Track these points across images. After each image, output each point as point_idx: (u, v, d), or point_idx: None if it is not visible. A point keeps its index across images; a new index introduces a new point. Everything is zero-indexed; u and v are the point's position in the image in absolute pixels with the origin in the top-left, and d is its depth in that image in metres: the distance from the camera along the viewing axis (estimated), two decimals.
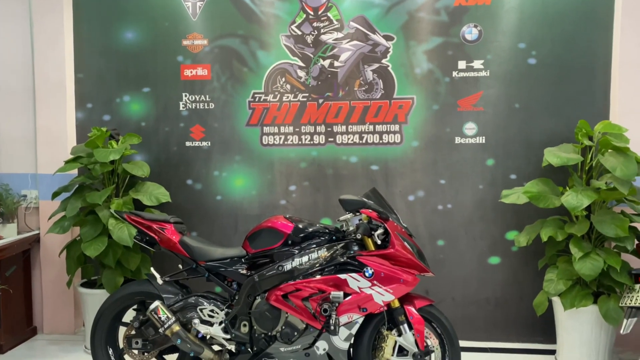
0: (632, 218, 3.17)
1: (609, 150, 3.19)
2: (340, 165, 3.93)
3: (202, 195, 4.03)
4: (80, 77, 4.05)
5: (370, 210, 2.80)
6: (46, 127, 3.98)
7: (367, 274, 2.72)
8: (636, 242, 3.24)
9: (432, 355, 2.83)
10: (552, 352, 3.61)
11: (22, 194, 4.05)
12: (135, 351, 2.96)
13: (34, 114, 4.01)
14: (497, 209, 3.82)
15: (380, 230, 2.79)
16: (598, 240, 3.38)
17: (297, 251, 2.83)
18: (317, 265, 2.76)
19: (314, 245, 2.84)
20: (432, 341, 2.83)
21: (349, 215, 2.89)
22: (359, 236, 2.77)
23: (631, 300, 3.00)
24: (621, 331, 2.97)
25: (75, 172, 3.92)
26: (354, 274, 2.73)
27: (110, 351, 3.02)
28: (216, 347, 2.93)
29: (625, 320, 2.96)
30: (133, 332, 2.95)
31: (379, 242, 2.78)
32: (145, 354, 2.97)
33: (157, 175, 4.01)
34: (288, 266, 2.79)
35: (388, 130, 3.88)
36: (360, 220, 2.88)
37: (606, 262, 3.10)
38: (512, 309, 3.85)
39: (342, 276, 2.72)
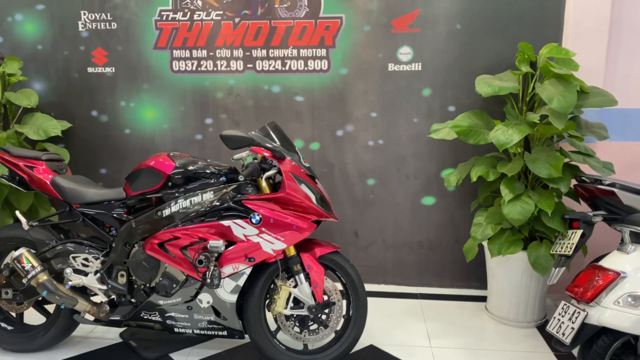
0: (569, 156, 2.80)
1: (551, 79, 2.77)
2: (261, 95, 3.50)
3: (109, 128, 3.63)
4: None
5: (262, 148, 2.42)
6: None
7: (254, 220, 2.38)
8: (575, 182, 2.90)
9: (334, 307, 2.55)
10: (485, 299, 3.36)
11: None
12: (7, 301, 2.67)
13: None
14: (433, 144, 3.44)
15: (271, 172, 2.43)
16: (537, 182, 3.03)
17: (180, 194, 2.47)
18: (199, 210, 2.42)
19: (201, 188, 2.48)
20: (334, 291, 2.54)
21: (244, 154, 2.52)
22: (241, 178, 2.40)
23: (561, 248, 2.69)
24: (548, 281, 2.69)
25: None
26: (238, 220, 2.38)
27: None
28: (101, 298, 2.64)
29: (553, 269, 2.67)
30: (3, 281, 2.65)
31: (264, 184, 2.43)
32: (19, 304, 2.68)
33: (59, 106, 3.60)
34: (167, 211, 2.44)
35: (314, 55, 3.42)
36: (254, 159, 2.51)
37: (537, 206, 2.76)
38: (447, 252, 3.57)
39: (226, 223, 2.39)
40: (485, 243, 3.09)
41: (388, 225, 3.58)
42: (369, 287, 3.59)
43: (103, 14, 3.47)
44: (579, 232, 2.64)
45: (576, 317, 2.11)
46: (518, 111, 3.03)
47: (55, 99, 3.59)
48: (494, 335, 2.96)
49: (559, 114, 2.62)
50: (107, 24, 3.49)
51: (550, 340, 2.89)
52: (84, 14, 3.49)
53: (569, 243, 2.66)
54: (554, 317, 2.22)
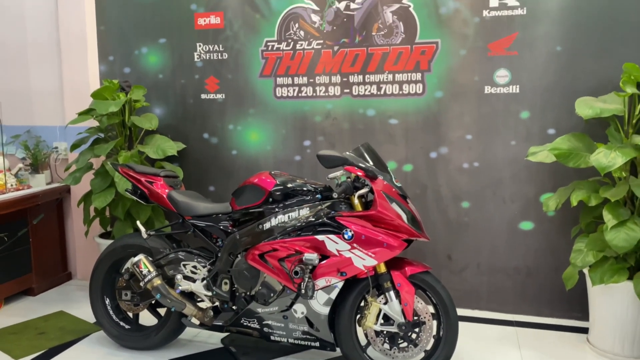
0: None
1: None
2: (356, 119, 3.65)
3: (218, 149, 3.95)
4: (102, 30, 4.06)
5: (355, 168, 2.54)
6: (71, 80, 4.06)
7: (346, 236, 2.49)
8: None
9: (424, 327, 2.58)
10: (587, 330, 3.19)
11: (54, 146, 4.20)
12: (126, 302, 2.99)
13: (59, 68, 4.10)
14: (531, 168, 3.37)
15: (363, 190, 2.54)
16: None
17: (279, 209, 2.66)
18: (296, 225, 2.58)
19: (298, 204, 2.65)
20: (424, 311, 2.58)
21: (339, 173, 2.66)
22: (335, 195, 2.54)
23: None
24: None
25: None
26: (332, 236, 2.51)
27: (107, 301, 3.07)
28: (206, 304, 2.87)
29: None
30: (124, 284, 2.98)
31: (356, 201, 2.54)
32: (136, 305, 2.99)
33: (175, 128, 3.99)
34: (267, 225, 2.64)
35: (409, 79, 3.51)
36: (348, 178, 2.65)
37: None
38: (546, 280, 3.44)
39: (320, 237, 2.52)
40: (586, 271, 2.96)
41: (483, 249, 3.53)
42: (461, 311, 3.55)
43: (216, 45, 3.83)
44: None
45: None
46: (623, 134, 2.90)
47: (172, 122, 3.98)
48: None
49: None
50: (219, 54, 3.83)
51: None
52: (199, 46, 3.86)
53: None
54: None
